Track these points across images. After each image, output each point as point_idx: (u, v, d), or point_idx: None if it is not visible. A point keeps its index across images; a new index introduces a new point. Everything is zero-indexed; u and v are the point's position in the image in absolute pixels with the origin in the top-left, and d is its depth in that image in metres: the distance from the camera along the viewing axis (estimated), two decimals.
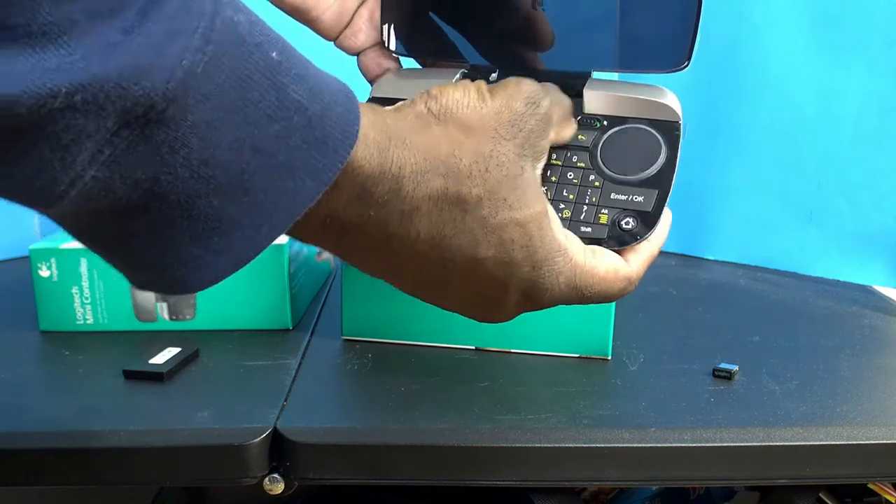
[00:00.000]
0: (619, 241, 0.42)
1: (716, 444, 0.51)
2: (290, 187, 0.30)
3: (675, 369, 0.61)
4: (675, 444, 0.51)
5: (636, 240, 0.41)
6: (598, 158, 0.44)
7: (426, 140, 0.35)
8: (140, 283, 0.32)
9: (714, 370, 0.60)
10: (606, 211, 0.42)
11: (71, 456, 0.50)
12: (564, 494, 0.56)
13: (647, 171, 0.43)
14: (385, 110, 0.36)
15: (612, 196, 0.42)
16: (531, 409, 0.54)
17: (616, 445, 0.51)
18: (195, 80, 0.26)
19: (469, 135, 0.36)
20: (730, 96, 0.86)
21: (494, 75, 0.46)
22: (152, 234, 0.29)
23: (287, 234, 0.34)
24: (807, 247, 0.86)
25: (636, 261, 0.42)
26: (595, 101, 0.45)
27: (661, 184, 0.43)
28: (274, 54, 0.29)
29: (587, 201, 0.43)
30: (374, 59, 0.48)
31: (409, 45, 0.48)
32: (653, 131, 0.44)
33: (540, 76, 0.44)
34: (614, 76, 0.48)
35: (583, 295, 0.40)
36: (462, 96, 0.37)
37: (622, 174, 0.43)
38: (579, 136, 0.44)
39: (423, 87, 0.44)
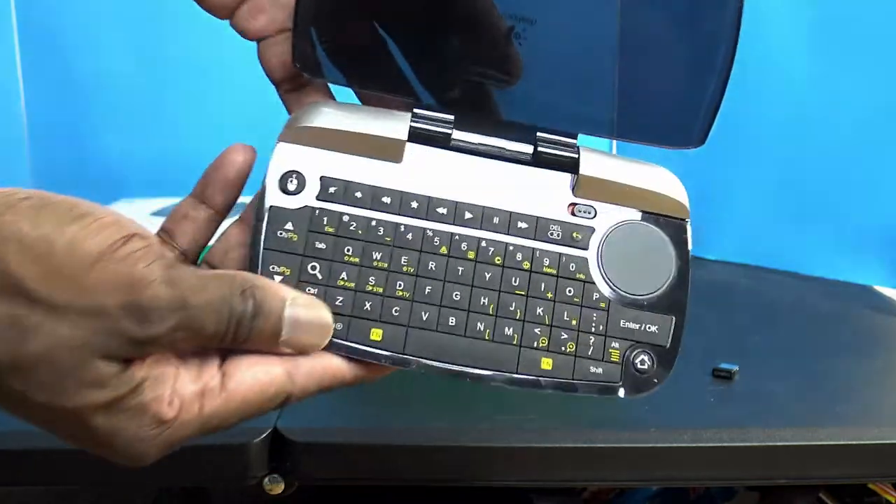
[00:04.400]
0: (636, 387, 0.35)
1: (716, 444, 0.51)
2: None
3: (675, 369, 0.61)
4: (675, 444, 0.51)
5: (653, 385, 0.35)
6: (599, 265, 0.36)
7: None
8: None
9: (714, 370, 0.60)
10: (617, 345, 0.35)
11: (71, 456, 0.50)
12: (564, 494, 0.56)
13: (658, 287, 0.36)
14: None
15: (623, 324, 0.35)
16: (531, 409, 0.54)
17: (616, 445, 0.51)
18: None
19: (17, 294, 0.27)
20: (730, 96, 0.86)
21: (450, 128, 0.37)
22: None
23: None
24: (807, 247, 0.86)
25: (307, 368, 0.33)
26: (589, 185, 0.37)
27: (675, 306, 0.37)
28: None
29: (593, 330, 0.35)
30: (278, 53, 0.38)
31: (341, 68, 0.37)
32: (658, 231, 0.37)
33: (506, 128, 0.37)
34: (606, 146, 0.40)
35: (211, 431, 0.32)
36: (52, 238, 0.27)
37: (629, 290, 0.36)
38: (573, 234, 0.36)
39: (356, 145, 0.36)
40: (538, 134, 0.37)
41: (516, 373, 0.35)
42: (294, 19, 0.36)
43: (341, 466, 0.51)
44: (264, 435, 0.50)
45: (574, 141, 0.37)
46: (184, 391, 0.31)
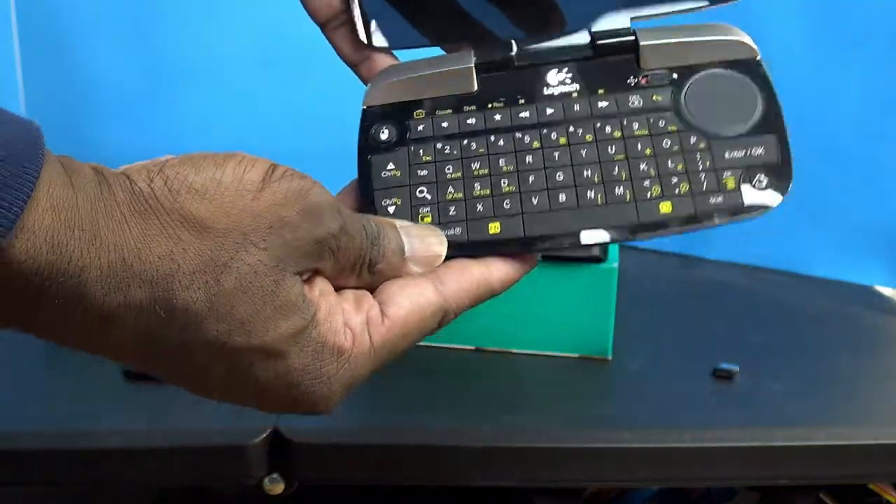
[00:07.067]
0: (760, 203, 0.36)
1: (716, 444, 0.51)
2: None
3: (675, 369, 0.61)
4: (675, 444, 0.51)
5: (783, 194, 0.37)
6: (688, 117, 0.38)
7: (131, 235, 0.27)
8: None
9: (714, 370, 0.60)
10: (730, 173, 0.36)
11: (71, 456, 0.51)
12: (564, 494, 0.56)
13: (751, 119, 0.37)
14: (90, 183, 0.28)
15: (728, 155, 0.37)
16: (531, 409, 0.54)
17: (616, 445, 0.51)
18: None
19: (202, 235, 0.28)
20: None
21: (514, 51, 0.40)
22: None
23: None
24: (807, 246, 0.86)
25: (454, 283, 0.34)
26: (653, 54, 0.39)
27: (774, 127, 0.37)
28: None
29: (701, 168, 0.36)
30: (343, 35, 0.41)
31: (396, 33, 0.41)
32: (735, 73, 0.38)
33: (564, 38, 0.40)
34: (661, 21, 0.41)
35: (385, 362, 0.33)
36: (217, 177, 0.29)
37: (723, 130, 0.37)
38: (654, 97, 0.38)
39: (430, 87, 0.40)
40: (594, 30, 0.40)
41: (638, 221, 0.36)
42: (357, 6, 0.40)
43: (341, 466, 0.51)
44: (264, 435, 0.50)
45: (627, 24, 0.40)
46: (353, 322, 0.32)
